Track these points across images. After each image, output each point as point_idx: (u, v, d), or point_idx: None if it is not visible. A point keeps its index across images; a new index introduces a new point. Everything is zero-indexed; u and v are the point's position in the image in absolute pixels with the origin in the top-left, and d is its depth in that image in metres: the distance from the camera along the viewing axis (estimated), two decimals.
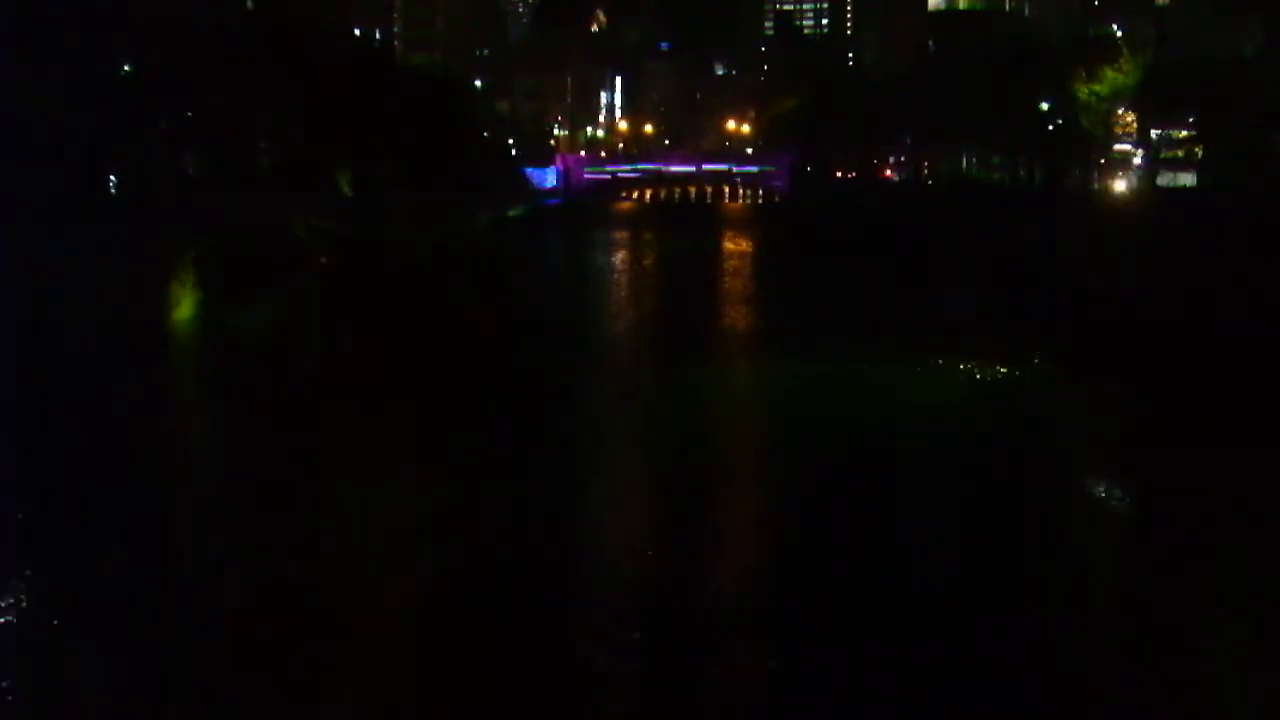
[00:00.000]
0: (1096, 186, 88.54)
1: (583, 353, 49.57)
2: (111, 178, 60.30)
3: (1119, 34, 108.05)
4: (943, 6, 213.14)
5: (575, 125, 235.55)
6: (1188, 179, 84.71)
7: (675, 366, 45.62)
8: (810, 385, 43.20)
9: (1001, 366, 45.99)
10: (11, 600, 21.05)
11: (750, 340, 55.27)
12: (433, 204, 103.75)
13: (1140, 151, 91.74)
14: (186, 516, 27.56)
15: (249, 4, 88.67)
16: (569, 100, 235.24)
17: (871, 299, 67.73)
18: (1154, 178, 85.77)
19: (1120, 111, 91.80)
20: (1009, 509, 28.41)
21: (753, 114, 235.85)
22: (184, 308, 52.77)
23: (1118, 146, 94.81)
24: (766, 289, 76.72)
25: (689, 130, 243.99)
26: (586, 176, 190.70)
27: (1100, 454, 34.59)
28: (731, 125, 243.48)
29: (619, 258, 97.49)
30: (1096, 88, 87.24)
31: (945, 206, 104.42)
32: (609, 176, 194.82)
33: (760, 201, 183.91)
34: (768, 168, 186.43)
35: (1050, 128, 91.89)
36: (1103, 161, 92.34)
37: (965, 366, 45.73)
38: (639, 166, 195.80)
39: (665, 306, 66.28)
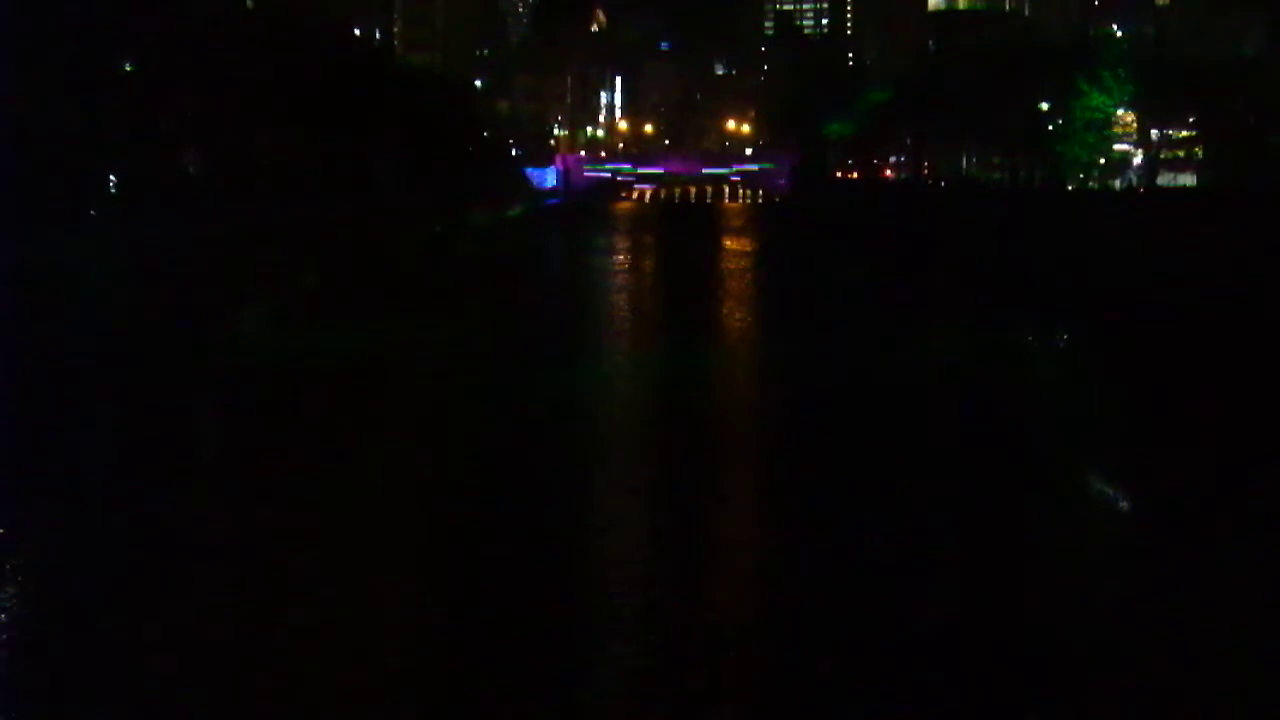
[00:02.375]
0: (1096, 186, 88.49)
1: (582, 353, 49.38)
2: (112, 177, 60.38)
3: (1119, 34, 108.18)
4: (943, 6, 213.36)
5: (575, 125, 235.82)
6: (1188, 179, 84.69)
7: (677, 379, 44.91)
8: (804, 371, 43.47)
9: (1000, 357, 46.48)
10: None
11: (751, 339, 55.25)
12: (433, 204, 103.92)
13: (1140, 151, 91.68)
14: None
15: (249, 3, 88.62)
16: (569, 100, 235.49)
17: (872, 297, 67.92)
18: (1154, 178, 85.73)
19: (1120, 112, 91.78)
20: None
21: (753, 114, 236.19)
22: None
23: (1118, 146, 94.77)
24: (767, 292, 76.66)
25: (689, 130, 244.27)
26: (586, 175, 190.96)
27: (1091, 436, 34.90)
28: (731, 125, 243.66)
29: (620, 259, 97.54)
30: (1096, 95, 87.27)
31: (945, 206, 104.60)
32: (609, 175, 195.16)
33: (760, 202, 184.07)
34: (767, 166, 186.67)
35: (1050, 128, 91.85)
36: (1102, 161, 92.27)
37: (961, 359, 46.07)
38: (639, 171, 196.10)
39: (665, 310, 66.12)
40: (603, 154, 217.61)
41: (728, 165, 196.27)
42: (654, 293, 75.61)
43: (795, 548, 24.90)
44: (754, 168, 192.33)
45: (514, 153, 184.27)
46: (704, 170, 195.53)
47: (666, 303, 68.30)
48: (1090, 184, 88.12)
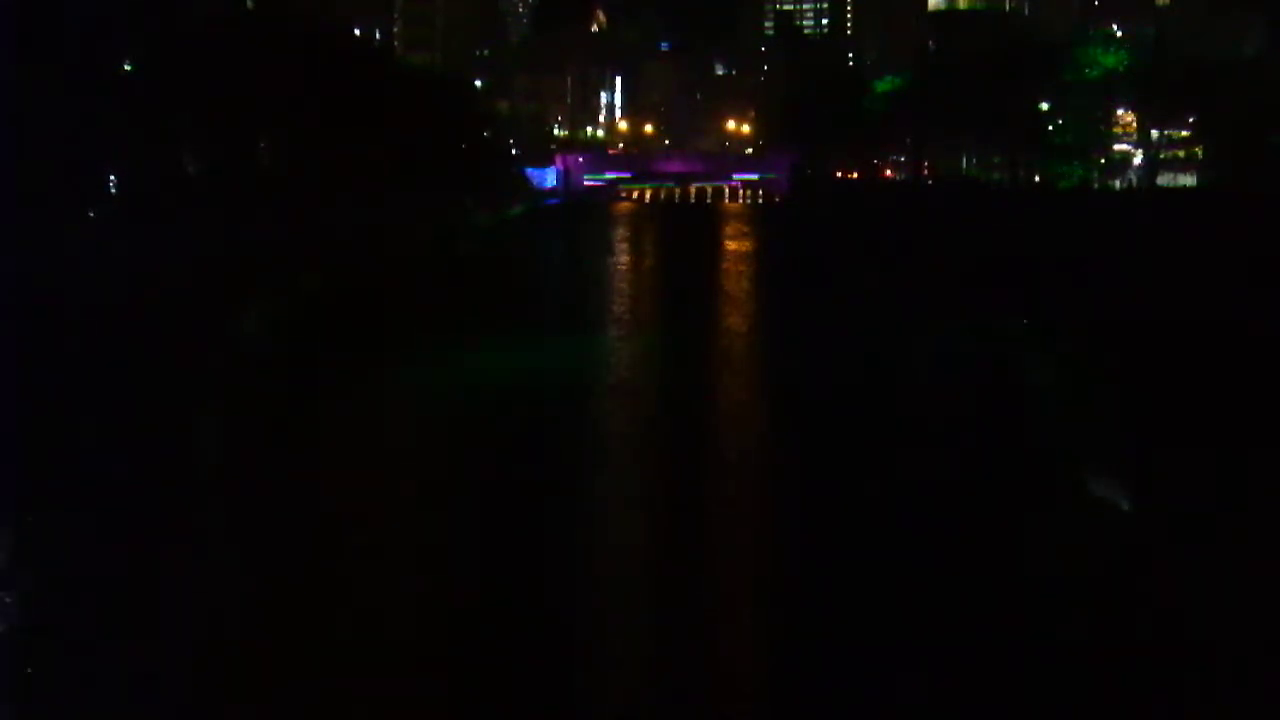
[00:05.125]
0: (1096, 186, 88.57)
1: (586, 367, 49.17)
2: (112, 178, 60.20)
3: (1119, 34, 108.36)
4: (943, 6, 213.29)
5: (575, 125, 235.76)
6: (1188, 179, 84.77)
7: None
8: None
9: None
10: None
11: (748, 344, 55.35)
12: (433, 204, 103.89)
13: (1140, 152, 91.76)
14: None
15: (249, 3, 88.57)
16: (569, 100, 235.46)
17: (870, 301, 67.97)
18: (1154, 178, 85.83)
19: (1120, 112, 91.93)
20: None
21: (753, 114, 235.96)
22: None
23: (1118, 147, 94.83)
24: (766, 295, 76.63)
25: (689, 130, 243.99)
26: (586, 183, 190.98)
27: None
28: (731, 125, 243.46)
29: (622, 262, 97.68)
30: (1090, 73, 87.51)
31: (945, 206, 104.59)
32: (608, 183, 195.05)
33: (760, 202, 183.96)
34: (768, 175, 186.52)
35: (1050, 128, 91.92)
36: (1103, 161, 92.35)
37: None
38: (641, 182, 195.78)
39: (668, 315, 65.96)
40: (610, 149, 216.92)
41: (727, 175, 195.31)
42: (656, 297, 75.54)
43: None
44: (754, 176, 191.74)
45: (514, 153, 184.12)
46: (704, 183, 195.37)
47: (668, 308, 68.29)
48: (1093, 184, 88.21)
